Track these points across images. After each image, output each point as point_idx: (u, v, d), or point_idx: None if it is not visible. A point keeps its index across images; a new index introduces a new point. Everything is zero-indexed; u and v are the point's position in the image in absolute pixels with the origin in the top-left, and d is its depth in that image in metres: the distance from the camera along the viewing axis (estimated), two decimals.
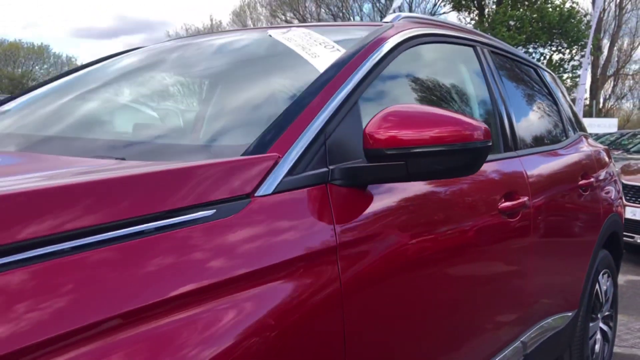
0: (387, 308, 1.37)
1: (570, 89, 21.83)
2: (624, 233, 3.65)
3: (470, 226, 1.73)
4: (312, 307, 1.14)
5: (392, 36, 1.73)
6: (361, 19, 33.70)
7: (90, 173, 1.05)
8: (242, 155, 1.22)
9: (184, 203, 1.00)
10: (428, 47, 1.94)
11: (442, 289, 1.61)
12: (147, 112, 1.83)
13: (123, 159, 1.25)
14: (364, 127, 1.37)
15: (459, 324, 1.73)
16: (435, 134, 1.29)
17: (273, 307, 1.06)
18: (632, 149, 10.53)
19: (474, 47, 2.24)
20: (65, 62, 44.76)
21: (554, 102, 3.02)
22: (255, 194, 1.13)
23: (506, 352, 1.99)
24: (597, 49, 26.78)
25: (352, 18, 33.55)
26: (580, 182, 2.70)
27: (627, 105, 42.52)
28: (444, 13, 31.94)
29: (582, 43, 23.82)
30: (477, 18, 27.20)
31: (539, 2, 24.06)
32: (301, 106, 1.35)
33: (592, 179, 2.84)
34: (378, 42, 1.67)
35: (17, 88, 39.82)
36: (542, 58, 25.22)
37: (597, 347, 3.00)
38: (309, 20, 34.01)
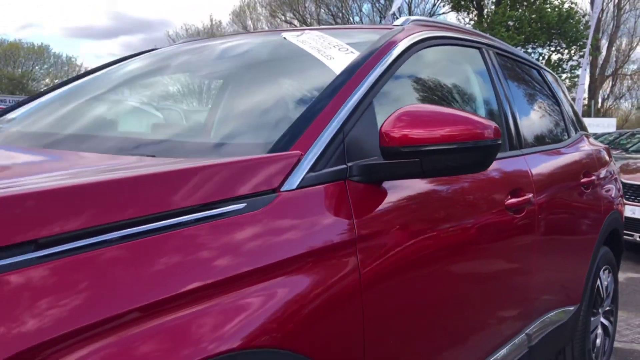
0: (402, 298, 1.45)
1: (569, 89, 21.91)
2: (624, 231, 3.72)
3: (479, 222, 1.80)
4: (334, 294, 1.22)
5: (402, 39, 1.80)
6: (360, 19, 33.77)
7: (131, 169, 1.13)
8: (268, 152, 1.29)
9: (218, 197, 1.08)
10: (436, 49, 2.01)
11: (453, 281, 1.69)
12: (172, 112, 1.90)
13: (153, 156, 1.32)
14: (378, 125, 1.45)
15: (469, 315, 1.80)
16: (448, 133, 1.36)
17: (301, 294, 1.13)
18: (631, 149, 10.59)
19: (480, 49, 2.31)
20: (65, 62, 44.79)
21: (556, 102, 3.09)
22: (281, 189, 1.20)
23: (512, 343, 2.07)
24: (595, 49, 26.87)
25: (351, 18, 33.60)
26: (582, 180, 2.77)
27: (625, 105, 42.69)
28: (443, 13, 32.04)
29: (581, 43, 23.92)
30: (476, 18, 27.29)
31: (537, 3, 24.16)
32: (320, 106, 1.42)
33: (593, 177, 2.91)
34: (390, 44, 1.74)
35: (17, 88, 39.86)
36: (540, 58, 25.32)
37: (598, 341, 3.08)
38: (309, 20, 34.06)
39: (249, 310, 1.04)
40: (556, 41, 24.99)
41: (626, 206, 5.94)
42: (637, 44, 35.14)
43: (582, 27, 24.19)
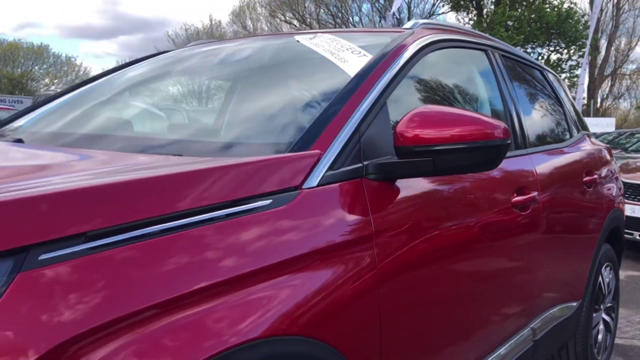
0: (415, 291, 1.51)
1: (568, 89, 21.98)
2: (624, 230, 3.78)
3: (487, 219, 1.87)
4: (354, 286, 1.28)
5: (413, 42, 1.86)
6: (360, 19, 33.83)
7: (166, 167, 1.19)
8: (289, 152, 1.35)
9: (247, 193, 1.14)
10: (444, 51, 2.07)
11: (463, 276, 1.75)
12: (195, 112, 1.96)
13: (180, 155, 1.39)
14: (391, 126, 1.51)
15: (478, 309, 1.87)
16: (460, 133, 1.42)
17: (323, 286, 1.20)
18: (630, 148, 10.67)
19: (485, 51, 2.37)
20: (64, 62, 44.81)
21: (559, 102, 3.16)
22: (303, 187, 1.26)
23: (518, 336, 2.14)
24: (594, 49, 26.96)
25: (351, 18, 33.66)
26: (585, 179, 2.84)
27: (624, 104, 42.77)
28: (442, 13, 32.11)
29: (580, 43, 24.00)
30: (475, 18, 27.35)
31: (537, 3, 24.22)
32: (337, 108, 1.48)
33: (595, 176, 2.97)
34: (401, 47, 1.81)
35: (17, 88, 39.86)
36: (540, 58, 25.39)
37: (599, 336, 3.14)
38: (308, 20, 34.12)
39: (277, 300, 1.10)
40: (555, 41, 25.07)
41: (626, 205, 6.01)
42: (636, 44, 35.29)
43: (581, 27, 24.27)
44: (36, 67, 44.06)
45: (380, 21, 32.13)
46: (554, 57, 25.65)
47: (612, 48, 33.73)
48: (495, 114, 2.29)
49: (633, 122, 40.07)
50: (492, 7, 26.31)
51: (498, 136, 1.45)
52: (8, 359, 0.78)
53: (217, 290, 1.01)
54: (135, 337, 0.90)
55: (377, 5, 32.48)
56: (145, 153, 1.44)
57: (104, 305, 0.88)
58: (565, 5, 24.25)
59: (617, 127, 23.06)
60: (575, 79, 24.08)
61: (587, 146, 3.20)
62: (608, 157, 3.48)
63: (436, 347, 1.66)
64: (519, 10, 24.51)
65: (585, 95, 23.85)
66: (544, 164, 2.45)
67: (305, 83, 1.88)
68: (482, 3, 27.24)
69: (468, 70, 2.35)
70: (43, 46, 43.90)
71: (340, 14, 33.75)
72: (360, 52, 1.81)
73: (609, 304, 3.27)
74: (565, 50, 25.30)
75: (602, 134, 16.50)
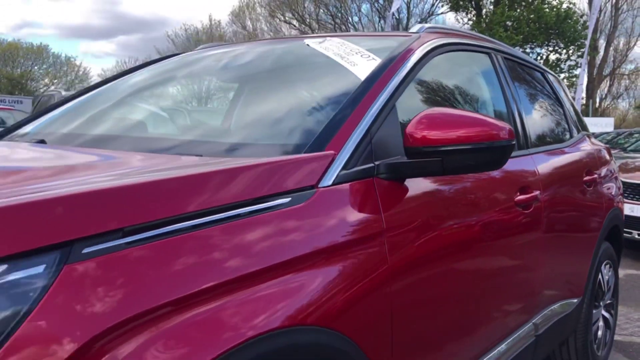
0: (424, 285, 1.58)
1: (567, 89, 22.06)
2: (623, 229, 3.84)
3: (491, 217, 1.94)
4: (367, 279, 1.35)
5: (419, 46, 1.93)
6: (359, 20, 33.91)
7: (191, 167, 1.25)
8: (305, 152, 1.42)
9: (269, 192, 1.21)
10: (450, 55, 2.14)
11: (469, 272, 1.82)
12: (206, 113, 2.03)
13: (200, 155, 1.45)
14: (399, 127, 1.58)
15: (483, 303, 1.94)
16: (467, 134, 1.49)
17: (339, 279, 1.27)
18: (629, 148, 10.74)
19: (489, 54, 2.44)
20: (64, 62, 44.83)
21: (559, 103, 3.22)
22: (319, 185, 1.33)
23: (521, 331, 2.21)
24: (593, 49, 27.04)
25: (350, 18, 33.74)
26: (585, 179, 2.90)
27: (623, 104, 42.90)
28: (441, 13, 32.19)
29: (579, 43, 24.08)
30: (474, 18, 27.43)
31: (536, 3, 24.30)
32: (349, 110, 1.55)
33: (595, 176, 3.04)
34: (408, 51, 1.87)
35: (16, 88, 39.87)
36: (539, 58, 25.48)
37: (599, 333, 3.21)
38: (308, 20, 34.18)
39: (298, 292, 1.17)
40: (554, 41, 25.15)
41: (625, 204, 6.08)
42: (634, 44, 35.37)
43: (580, 27, 24.35)
44: (36, 67, 44.10)
45: (379, 21, 32.21)
46: (552, 57, 25.75)
47: (611, 48, 33.83)
48: (498, 115, 2.36)
49: (632, 122, 40.17)
50: (491, 7, 26.39)
51: (503, 137, 1.52)
52: (57, 343, 0.85)
53: (244, 282, 1.08)
54: (172, 324, 0.96)
55: (376, 5, 32.56)
56: (167, 153, 1.51)
57: (142, 295, 0.94)
58: (564, 6, 24.35)
59: (615, 127, 23.16)
60: (574, 79, 24.16)
61: (587, 146, 3.27)
62: (607, 157, 3.55)
63: (444, 339, 1.73)
64: (518, 10, 24.59)
65: (584, 95, 23.94)
66: (546, 164, 2.51)
67: (318, 86, 1.94)
68: (481, 3, 27.32)
69: (472, 72, 2.42)
70: (42, 46, 43.96)
71: (339, 14, 33.82)
72: (369, 56, 1.88)
73: (608, 301, 3.34)
74: (564, 51, 25.39)
75: (601, 133, 16.57)
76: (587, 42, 15.01)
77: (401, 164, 1.52)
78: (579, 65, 24.12)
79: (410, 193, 1.58)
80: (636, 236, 6.22)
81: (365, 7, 35.12)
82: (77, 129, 1.96)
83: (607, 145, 3.83)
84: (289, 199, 1.24)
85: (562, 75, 24.92)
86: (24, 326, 0.83)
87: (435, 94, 2.07)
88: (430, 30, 2.15)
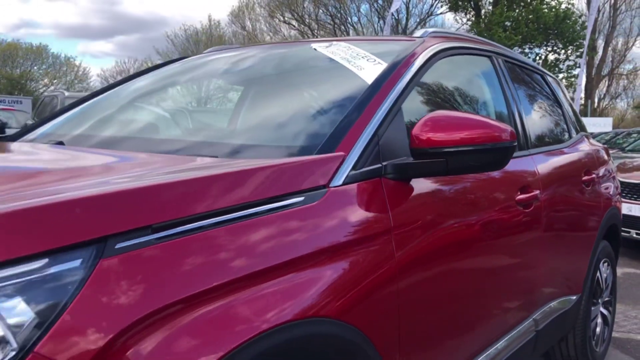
0: (429, 280, 1.65)
1: (566, 89, 22.12)
2: (621, 228, 3.91)
3: (494, 215, 2.01)
4: (376, 274, 1.42)
5: (424, 50, 2.00)
6: (359, 20, 33.98)
7: (209, 168, 1.32)
8: (315, 153, 1.48)
9: (285, 190, 1.28)
10: (453, 59, 2.20)
11: (472, 268, 1.89)
12: (218, 116, 2.09)
13: (216, 157, 1.52)
14: (405, 129, 1.65)
15: (486, 299, 2.02)
16: (471, 136, 1.56)
17: (349, 274, 1.34)
18: (627, 148, 10.81)
19: (490, 57, 2.51)
20: (63, 62, 44.86)
21: (558, 105, 3.29)
22: (330, 185, 1.40)
23: (522, 326, 2.28)
24: (592, 49, 27.13)
25: (350, 19, 33.81)
26: (584, 178, 2.97)
27: (621, 104, 43.03)
28: (440, 14, 32.28)
29: (578, 43, 24.16)
30: (473, 19, 27.51)
31: (534, 3, 24.38)
32: (358, 113, 1.62)
33: (593, 175, 3.11)
34: (413, 55, 1.94)
35: (16, 88, 39.88)
36: (537, 58, 25.56)
37: (598, 329, 3.28)
38: (307, 20, 34.25)
39: (312, 286, 1.24)
40: (553, 41, 25.23)
41: (623, 204, 6.15)
42: (633, 44, 35.48)
43: (578, 28, 24.43)
44: (35, 68, 44.13)
45: (378, 22, 32.28)
46: (551, 57, 25.84)
47: (609, 48, 33.95)
48: (499, 117, 2.43)
49: (630, 122, 40.27)
50: (490, 7, 26.47)
51: (505, 138, 1.59)
52: (93, 332, 0.91)
53: (265, 276, 1.15)
54: (199, 314, 1.03)
55: (375, 5, 32.64)
56: (183, 155, 1.58)
57: (171, 287, 1.01)
58: (563, 6, 24.45)
59: (614, 126, 23.23)
60: (573, 79, 24.26)
61: (586, 147, 3.33)
62: (605, 157, 3.62)
63: (448, 332, 1.80)
64: (517, 10, 24.67)
65: (582, 95, 24.00)
66: (545, 164, 2.58)
67: (327, 90, 2.01)
68: (480, 4, 27.39)
69: (474, 75, 2.49)
70: (42, 46, 43.99)
71: (339, 15, 33.91)
72: (375, 60, 1.94)
73: (606, 298, 3.41)
74: (563, 51, 25.47)
75: (600, 133, 16.64)
76: (586, 43, 15.09)
77: (407, 164, 1.58)
78: (577, 65, 24.23)
79: (415, 192, 1.64)
80: (634, 235, 6.29)
81: (364, 8, 35.24)
82: (93, 130, 2.02)
83: (605, 146, 3.90)
84: (303, 197, 1.31)
85: (561, 76, 25.00)
86: (64, 316, 0.89)
87: (439, 97, 2.14)
88: (434, 34, 2.22)
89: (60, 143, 1.84)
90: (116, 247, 0.97)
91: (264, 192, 1.24)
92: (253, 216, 1.19)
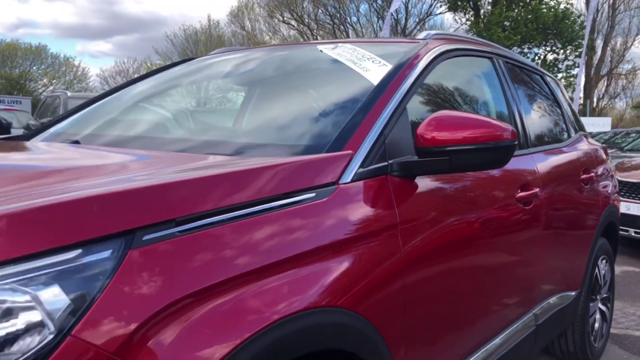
0: (433, 273, 1.71)
1: (565, 89, 22.19)
2: (620, 227, 3.97)
3: (495, 212, 2.07)
4: (383, 267, 1.49)
5: (427, 52, 2.06)
6: (358, 20, 34.05)
7: (226, 166, 1.38)
8: (325, 152, 1.55)
9: (297, 187, 1.34)
10: (455, 60, 2.26)
11: (474, 263, 1.95)
12: (229, 116, 2.16)
13: (230, 155, 1.58)
14: (410, 129, 1.71)
15: (487, 293, 2.08)
16: (473, 135, 1.62)
17: (358, 267, 1.41)
18: (626, 147, 10.87)
19: (491, 58, 2.57)
20: (62, 62, 44.89)
21: (558, 105, 3.36)
22: (339, 182, 1.46)
23: (523, 320, 2.35)
24: (590, 49, 27.20)
25: (349, 18, 33.87)
26: (582, 177, 3.04)
27: (620, 104, 43.10)
28: (439, 13, 32.34)
29: (576, 43, 24.24)
30: (472, 19, 27.58)
31: (533, 3, 24.46)
32: (364, 113, 1.68)
33: (592, 174, 3.18)
34: (417, 57, 2.00)
35: (15, 88, 39.90)
36: (536, 58, 25.64)
37: (596, 325, 3.35)
38: (306, 20, 34.31)
39: (324, 277, 1.30)
40: (552, 41, 25.31)
41: (621, 203, 6.22)
42: (631, 44, 35.57)
43: (577, 28, 24.51)
44: (34, 68, 44.14)
45: (378, 21, 32.35)
46: (550, 57, 25.92)
47: (608, 48, 34.02)
48: (500, 117, 2.49)
49: (629, 122, 40.34)
50: (489, 7, 26.54)
51: (507, 137, 1.65)
52: (124, 318, 0.98)
53: (281, 267, 1.22)
54: (220, 302, 1.10)
55: (374, 5, 32.71)
56: (199, 153, 1.64)
57: (194, 276, 1.07)
58: (562, 6, 24.53)
59: (613, 126, 23.27)
60: (571, 79, 24.34)
61: (584, 146, 3.40)
62: (604, 156, 3.68)
63: (451, 325, 1.86)
64: (516, 10, 24.75)
65: (581, 95, 24.08)
66: (545, 163, 2.65)
67: (335, 91, 2.07)
68: (479, 3, 27.48)
69: (476, 76, 2.55)
70: (41, 46, 43.99)
71: (338, 15, 33.98)
72: (380, 62, 2.00)
73: (604, 295, 3.48)
74: (562, 51, 25.55)
75: (598, 133, 16.70)
76: (585, 42, 15.17)
77: (412, 162, 1.65)
78: (576, 65, 24.31)
79: (420, 189, 1.71)
80: (632, 234, 6.36)
81: (363, 8, 35.33)
82: (107, 130, 2.09)
83: (604, 145, 3.96)
84: (314, 194, 1.37)
85: (560, 75, 25.09)
86: (97, 302, 0.96)
87: (442, 97, 2.20)
88: (437, 36, 2.28)
89: (76, 142, 1.90)
90: (144, 238, 1.04)
91: (278, 188, 1.30)
92: (268, 211, 1.25)
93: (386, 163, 1.62)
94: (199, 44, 39.88)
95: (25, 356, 0.90)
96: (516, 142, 1.69)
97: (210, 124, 2.23)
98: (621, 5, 33.10)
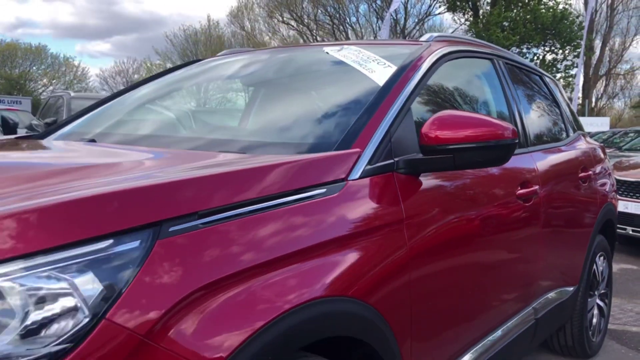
0: (438, 267, 1.78)
1: (563, 88, 22.26)
2: (617, 225, 4.03)
3: (496, 208, 2.14)
4: (390, 260, 1.56)
5: (430, 54, 2.13)
6: (357, 20, 34.13)
7: (242, 163, 1.46)
8: (334, 150, 1.62)
9: (309, 183, 1.41)
10: (457, 61, 2.34)
11: (475, 257, 2.03)
12: (239, 115, 2.23)
13: (244, 153, 1.65)
14: (414, 128, 1.79)
15: (489, 287, 2.16)
16: (475, 134, 1.69)
17: (367, 259, 1.48)
18: (624, 147, 10.96)
19: (491, 59, 2.65)
20: (62, 62, 44.95)
21: (556, 104, 3.43)
22: (348, 178, 1.53)
23: (523, 313, 2.42)
24: (589, 49, 27.30)
25: (348, 19, 33.95)
26: (580, 175, 3.11)
27: (618, 104, 43.23)
28: (438, 14, 32.42)
29: (575, 43, 24.32)
30: (471, 19, 27.67)
31: (532, 4, 24.54)
32: (371, 112, 1.75)
33: (590, 172, 3.25)
34: (420, 59, 2.07)
35: (15, 88, 39.94)
36: (535, 58, 25.72)
37: (594, 320, 3.42)
38: (306, 21, 34.38)
39: (335, 268, 1.37)
40: (550, 41, 25.41)
41: (620, 201, 6.29)
42: (630, 44, 35.67)
43: (576, 28, 24.60)
44: (34, 68, 44.20)
45: (377, 22, 32.42)
46: (549, 57, 26.00)
47: (607, 48, 34.13)
48: (501, 116, 2.56)
49: (627, 122, 40.44)
50: (488, 8, 26.63)
51: (508, 136, 1.72)
52: (153, 305, 1.05)
53: (294, 258, 1.29)
54: (240, 289, 1.17)
55: (374, 6, 32.78)
56: (214, 151, 1.71)
57: (217, 265, 1.15)
58: (560, 6, 24.62)
59: (611, 126, 23.35)
60: (570, 79, 24.43)
61: (583, 145, 3.47)
62: (602, 155, 3.76)
63: (454, 316, 1.94)
64: (515, 11, 24.84)
65: (580, 94, 24.19)
66: (544, 161, 2.72)
67: (342, 91, 2.15)
68: (478, 4, 27.56)
69: (477, 77, 2.63)
70: (41, 46, 44.06)
71: (337, 15, 34.05)
72: (385, 63, 2.07)
73: (602, 291, 3.55)
74: (560, 51, 25.64)
75: (597, 133, 16.76)
76: (583, 43, 15.25)
77: (417, 160, 1.72)
78: (575, 65, 24.38)
79: (424, 186, 1.78)
80: (630, 232, 6.43)
81: (363, 8, 35.37)
82: (121, 129, 2.16)
83: (602, 144, 4.03)
84: (325, 189, 1.45)
85: (559, 76, 25.18)
86: (128, 289, 1.03)
87: (445, 97, 2.28)
88: (439, 39, 2.35)
89: (92, 140, 1.97)
90: (170, 230, 1.11)
91: (292, 184, 1.38)
92: (283, 205, 1.33)
93: (392, 160, 1.69)
94: (198, 44, 39.97)
95: (62, 339, 0.97)
96: (517, 141, 1.76)
97: (222, 123, 2.30)
98: (619, 5, 33.21)
